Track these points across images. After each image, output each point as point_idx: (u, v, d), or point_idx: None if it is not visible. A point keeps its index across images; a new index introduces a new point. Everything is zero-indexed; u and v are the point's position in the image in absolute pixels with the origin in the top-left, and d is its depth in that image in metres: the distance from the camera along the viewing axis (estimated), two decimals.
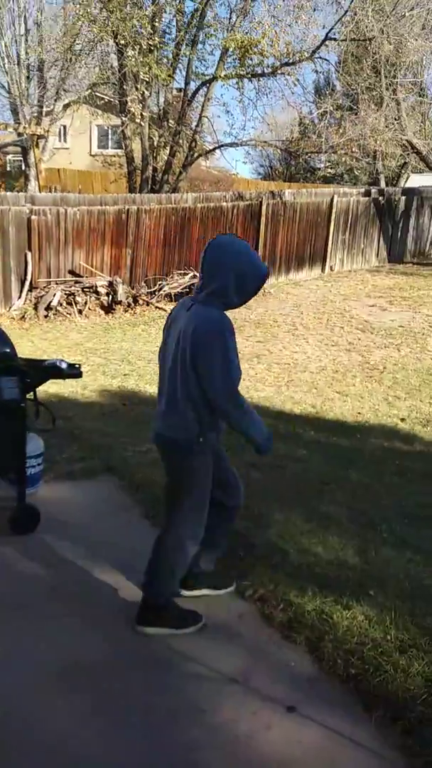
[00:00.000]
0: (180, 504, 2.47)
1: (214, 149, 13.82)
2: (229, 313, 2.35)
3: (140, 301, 10.37)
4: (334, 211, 13.45)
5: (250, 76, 11.98)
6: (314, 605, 2.69)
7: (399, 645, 2.45)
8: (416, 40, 11.99)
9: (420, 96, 17.59)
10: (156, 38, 11.70)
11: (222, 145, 13.49)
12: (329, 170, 18.99)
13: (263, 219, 12.14)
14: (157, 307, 10.41)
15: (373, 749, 2.06)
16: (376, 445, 5.04)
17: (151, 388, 6.38)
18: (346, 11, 11.04)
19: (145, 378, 6.77)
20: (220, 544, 2.77)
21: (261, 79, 12.19)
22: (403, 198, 15.21)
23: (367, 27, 11.20)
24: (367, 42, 12.00)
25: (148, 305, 10.41)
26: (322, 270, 13.86)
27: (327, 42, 11.83)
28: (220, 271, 2.25)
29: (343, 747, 2.08)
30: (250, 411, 2.38)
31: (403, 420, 5.67)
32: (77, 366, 3.43)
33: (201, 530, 2.50)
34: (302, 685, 2.34)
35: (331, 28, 11.38)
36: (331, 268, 14.05)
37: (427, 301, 10.84)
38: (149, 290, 10.67)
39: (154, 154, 12.93)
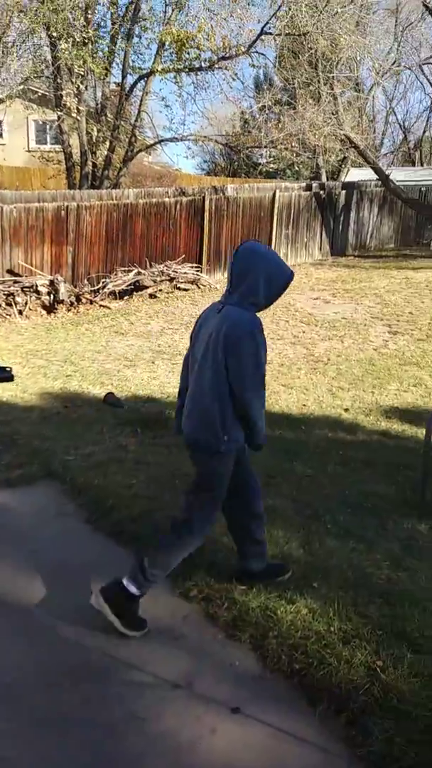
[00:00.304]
0: (200, 501, 2.60)
1: (154, 144, 13.65)
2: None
3: (83, 300, 10.15)
4: (276, 205, 13.55)
5: (187, 70, 11.89)
6: (259, 602, 2.67)
7: (342, 636, 2.45)
8: (349, 36, 12.18)
9: (356, 91, 17.95)
10: (90, 31, 11.44)
11: (162, 140, 13.35)
12: (271, 165, 19.13)
13: (207, 214, 12.10)
14: (101, 306, 10.21)
15: (318, 744, 2.05)
16: (321, 436, 5.08)
17: (95, 389, 6.24)
18: (280, 6, 11.10)
19: (88, 379, 6.61)
20: (260, 544, 2.81)
21: (199, 73, 12.13)
22: (344, 192, 15.47)
23: (301, 22, 11.30)
24: (303, 37, 12.10)
25: (91, 304, 10.20)
26: None
27: (263, 36, 11.86)
28: (250, 275, 2.41)
29: (288, 744, 2.06)
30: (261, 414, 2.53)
31: (346, 410, 5.75)
32: (8, 369, 3.30)
33: (209, 528, 2.67)
34: (247, 684, 2.31)
35: (267, 22, 11.42)
36: None
37: (369, 293, 11.06)
38: (93, 288, 10.45)
39: (93, 150, 12.66)
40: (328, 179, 19.06)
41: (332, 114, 13.82)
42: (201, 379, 2.47)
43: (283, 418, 5.61)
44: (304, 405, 5.96)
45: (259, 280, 2.40)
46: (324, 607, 2.63)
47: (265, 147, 13.47)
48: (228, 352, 2.38)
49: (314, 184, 15.06)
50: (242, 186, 13.73)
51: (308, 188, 14.68)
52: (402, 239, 17.10)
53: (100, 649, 2.44)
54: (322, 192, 14.81)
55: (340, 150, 16.30)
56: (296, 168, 20.04)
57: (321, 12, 11.11)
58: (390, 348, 7.98)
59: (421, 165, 25.79)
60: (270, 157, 17.59)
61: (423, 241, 15.42)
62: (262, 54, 12.69)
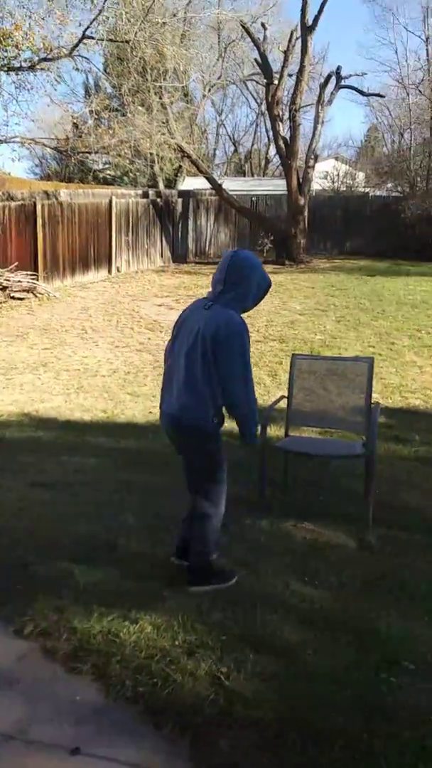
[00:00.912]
0: (204, 488, 2.86)
1: None
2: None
3: None
4: (114, 212, 13.39)
5: (6, 69, 11.25)
6: (101, 626, 2.53)
7: (187, 648, 2.40)
8: (173, 47, 12.42)
9: (186, 102, 18.42)
10: None
11: None
12: (108, 172, 18.89)
13: (40, 220, 11.57)
14: None
15: None
16: (167, 442, 5.04)
17: None
18: (101, 11, 10.97)
19: None
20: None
21: (19, 73, 11.53)
22: (180, 200, 15.78)
23: (123, 29, 11.27)
24: (127, 44, 12.09)
25: None
26: (109, 271, 13.73)
27: (86, 41, 11.62)
28: (244, 281, 2.71)
29: None
30: (254, 404, 2.76)
31: None
32: None
33: (223, 504, 2.89)
34: (89, 720, 2.15)
35: (87, 27, 11.22)
36: (118, 269, 14.00)
37: None
38: None
39: None
40: (165, 187, 19.32)
41: (163, 123, 14.01)
42: (190, 367, 2.69)
43: (129, 427, 5.50)
44: (150, 412, 5.89)
45: (251, 286, 2.72)
46: (169, 620, 2.56)
47: (97, 153, 13.25)
48: (218, 349, 2.63)
49: (151, 192, 15.16)
50: (77, 192, 13.36)
51: (145, 195, 14.73)
52: (239, 246, 17.87)
53: None
54: (159, 199, 14.94)
55: (175, 158, 16.60)
56: (133, 175, 20.04)
57: (143, 21, 11.18)
58: None
59: (252, 176, 27.28)
60: (105, 163, 17.36)
61: (257, 248, 16.24)
62: (86, 58, 12.45)
